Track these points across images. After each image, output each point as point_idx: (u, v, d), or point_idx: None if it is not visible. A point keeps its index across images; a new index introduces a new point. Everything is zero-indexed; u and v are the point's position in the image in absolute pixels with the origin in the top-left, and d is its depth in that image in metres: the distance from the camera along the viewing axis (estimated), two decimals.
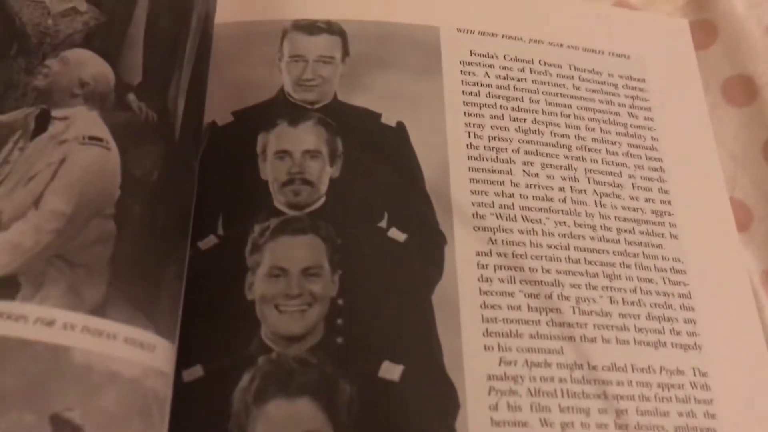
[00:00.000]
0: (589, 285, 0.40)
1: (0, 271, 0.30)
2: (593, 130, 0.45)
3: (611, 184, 0.43)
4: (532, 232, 0.41)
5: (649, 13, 0.53)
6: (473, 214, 0.41)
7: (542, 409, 0.36)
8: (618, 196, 0.43)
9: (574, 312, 0.39)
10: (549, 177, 0.43)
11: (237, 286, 0.38)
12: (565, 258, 0.40)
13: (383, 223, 0.40)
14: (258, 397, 0.35)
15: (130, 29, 0.37)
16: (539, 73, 0.46)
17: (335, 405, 0.35)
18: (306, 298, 0.38)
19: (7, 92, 0.34)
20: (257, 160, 0.41)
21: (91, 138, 0.34)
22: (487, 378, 0.37)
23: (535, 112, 0.45)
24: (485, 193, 0.42)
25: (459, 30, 0.47)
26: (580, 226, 0.42)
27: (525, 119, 0.44)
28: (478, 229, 0.41)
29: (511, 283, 0.39)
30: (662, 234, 0.43)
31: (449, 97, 0.44)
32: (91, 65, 0.35)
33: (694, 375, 0.39)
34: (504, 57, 0.46)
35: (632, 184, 0.44)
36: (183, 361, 0.35)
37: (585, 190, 0.43)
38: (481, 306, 0.38)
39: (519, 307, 0.39)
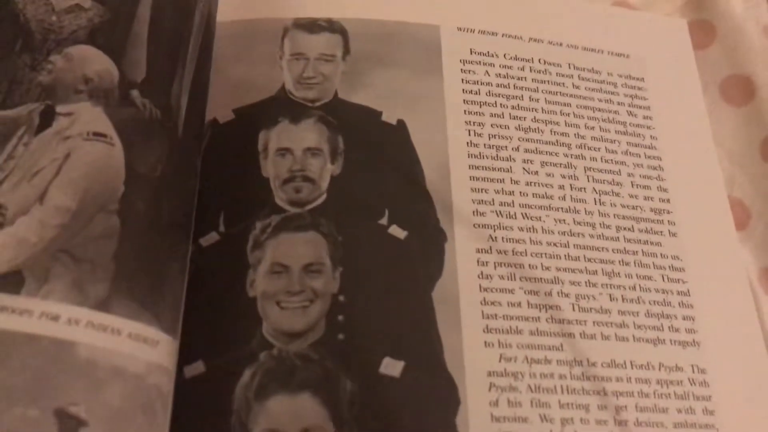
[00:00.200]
0: (589, 282, 0.40)
1: (5, 266, 0.30)
2: (593, 128, 0.45)
3: (610, 182, 0.44)
4: (532, 230, 0.41)
5: (648, 12, 0.53)
6: (473, 212, 0.41)
7: (542, 405, 0.37)
8: (617, 194, 0.43)
9: (573, 309, 0.39)
10: (549, 175, 0.43)
11: (238, 283, 0.38)
12: (565, 255, 0.41)
13: (384, 221, 0.40)
14: (259, 392, 0.35)
15: (133, 26, 0.37)
16: (539, 71, 0.46)
17: (336, 401, 0.35)
18: (307, 295, 0.38)
19: (12, 88, 0.34)
20: (258, 158, 0.41)
21: (96, 134, 0.34)
22: (487, 374, 0.37)
23: (535, 110, 0.45)
24: (485, 191, 0.42)
25: (459, 29, 0.47)
26: (579, 223, 0.42)
27: (525, 117, 0.44)
28: (479, 226, 0.41)
29: (511, 280, 0.39)
30: (661, 232, 0.43)
31: (449, 96, 0.44)
32: (95, 62, 0.36)
33: (693, 372, 0.39)
34: (504, 56, 0.47)
35: (631, 182, 0.44)
36: (184, 357, 0.35)
37: (584, 188, 0.43)
38: (481, 303, 0.39)
39: (519, 304, 0.39)
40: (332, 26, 0.45)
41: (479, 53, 0.46)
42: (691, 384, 0.39)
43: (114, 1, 0.37)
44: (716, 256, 0.43)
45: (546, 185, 0.43)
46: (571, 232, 0.41)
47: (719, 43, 0.52)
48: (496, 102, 0.45)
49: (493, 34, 0.47)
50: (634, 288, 0.41)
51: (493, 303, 0.39)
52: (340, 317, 0.37)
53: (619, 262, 0.41)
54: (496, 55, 0.46)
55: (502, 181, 0.42)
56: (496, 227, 0.41)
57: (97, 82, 0.35)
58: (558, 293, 0.40)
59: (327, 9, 0.46)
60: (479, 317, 0.38)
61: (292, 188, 0.41)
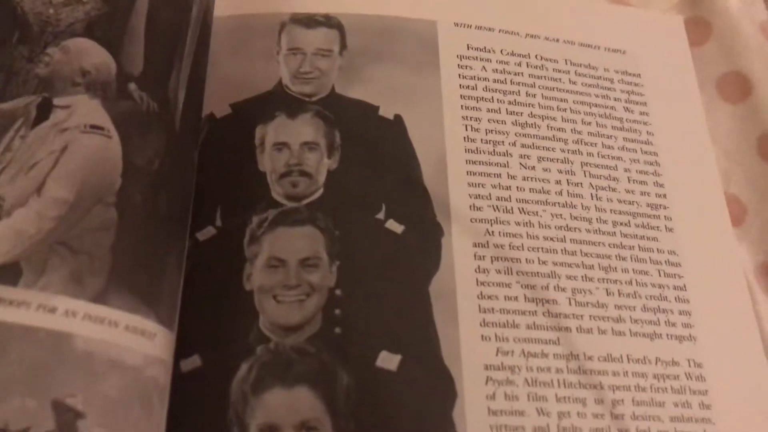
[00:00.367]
0: (585, 277, 0.40)
1: (2, 258, 0.30)
2: (589, 124, 0.45)
3: (607, 178, 0.44)
4: (528, 225, 0.41)
5: (644, 9, 0.53)
6: (470, 206, 0.41)
7: (539, 399, 0.37)
8: (614, 190, 0.43)
9: (570, 303, 0.39)
10: (545, 170, 0.43)
11: (235, 277, 0.38)
12: (561, 250, 0.41)
13: (381, 215, 0.41)
14: (256, 386, 0.35)
15: (131, 20, 0.37)
16: (536, 67, 0.47)
17: (333, 394, 0.35)
18: (304, 289, 0.38)
19: (9, 80, 0.34)
20: (255, 152, 0.41)
21: (93, 126, 0.34)
22: (484, 368, 0.37)
23: (532, 106, 0.45)
24: (482, 186, 0.42)
25: (456, 24, 0.47)
26: (576, 218, 0.42)
27: (522, 113, 0.45)
28: (475, 221, 0.41)
29: (508, 274, 0.40)
30: (657, 227, 0.43)
31: (446, 91, 0.45)
32: (92, 54, 0.36)
33: (689, 366, 0.39)
34: (501, 51, 0.47)
35: (628, 177, 0.44)
36: (181, 351, 0.35)
37: (581, 183, 0.43)
38: (478, 297, 0.39)
39: (516, 298, 0.39)
40: (329, 21, 0.45)
41: (476, 49, 0.46)
42: (687, 378, 0.39)
43: None
44: (712, 252, 0.43)
45: (543, 180, 0.43)
46: (567, 226, 0.42)
47: (715, 40, 0.52)
48: (493, 97, 0.45)
49: (490, 29, 0.47)
50: (630, 283, 0.41)
51: (489, 297, 0.39)
52: (337, 311, 0.37)
53: (616, 256, 0.41)
54: (493, 51, 0.47)
55: (499, 176, 0.42)
56: (492, 222, 0.41)
57: (95, 74, 0.35)
58: (554, 287, 0.40)
59: (324, 4, 0.46)
60: (476, 311, 0.38)
61: (289, 183, 0.41)
